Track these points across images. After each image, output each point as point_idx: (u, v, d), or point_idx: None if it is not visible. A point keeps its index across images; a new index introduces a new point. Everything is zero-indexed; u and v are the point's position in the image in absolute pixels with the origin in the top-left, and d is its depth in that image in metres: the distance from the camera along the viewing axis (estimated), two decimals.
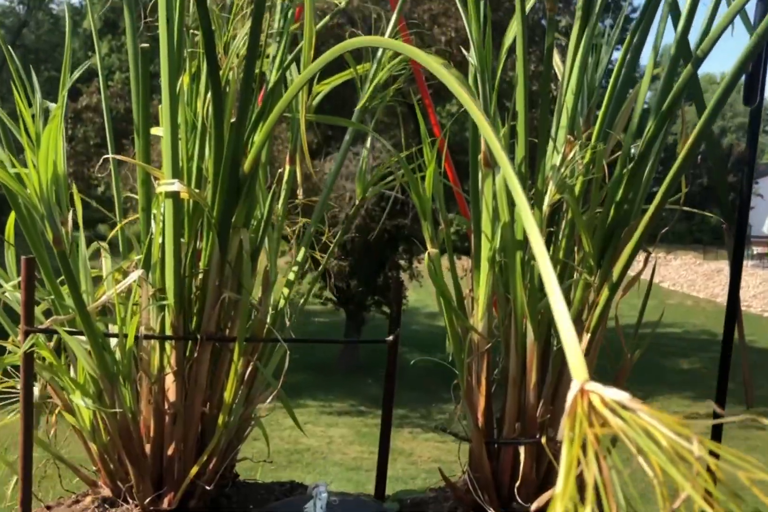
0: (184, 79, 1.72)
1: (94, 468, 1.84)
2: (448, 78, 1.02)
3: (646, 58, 1.88)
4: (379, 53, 1.97)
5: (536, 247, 0.85)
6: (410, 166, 1.77)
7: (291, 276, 1.91)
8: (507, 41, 1.69)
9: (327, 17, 1.90)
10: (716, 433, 1.94)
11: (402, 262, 14.12)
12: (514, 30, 1.63)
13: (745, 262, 2.09)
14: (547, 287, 0.79)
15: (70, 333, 1.59)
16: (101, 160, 1.91)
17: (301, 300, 2.06)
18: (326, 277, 2.27)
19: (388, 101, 2.01)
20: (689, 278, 32.28)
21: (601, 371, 1.60)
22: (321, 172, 10.35)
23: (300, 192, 1.95)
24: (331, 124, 2.09)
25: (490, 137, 0.93)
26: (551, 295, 0.78)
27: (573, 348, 0.71)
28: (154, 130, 1.78)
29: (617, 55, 1.92)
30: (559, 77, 1.90)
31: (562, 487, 0.64)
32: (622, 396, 0.66)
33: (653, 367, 13.32)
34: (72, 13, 2.16)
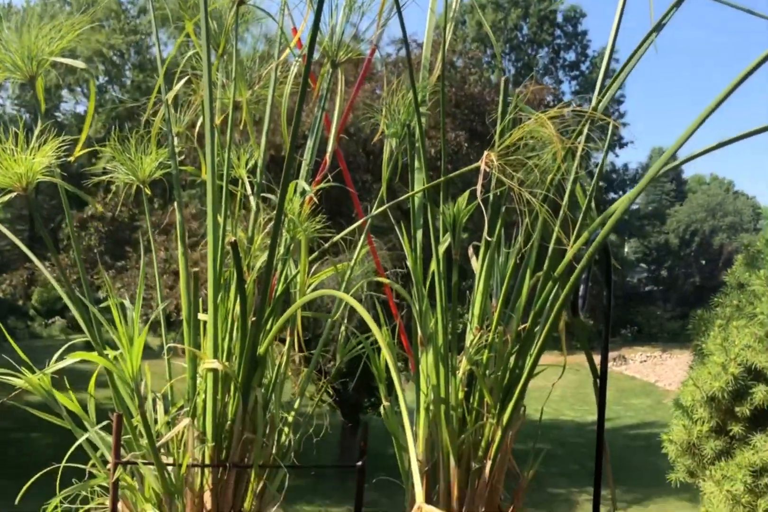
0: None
1: None
2: (377, 332, 1.88)
3: None
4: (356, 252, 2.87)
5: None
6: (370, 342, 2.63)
7: (290, 419, 2.73)
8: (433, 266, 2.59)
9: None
10: None
11: (399, 364, 14.76)
12: (433, 265, 2.53)
13: None
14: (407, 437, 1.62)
15: (145, 463, 2.40)
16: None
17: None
18: (321, 378, 2.88)
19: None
20: (685, 377, 32.68)
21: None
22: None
23: (296, 356, 2.80)
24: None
25: (392, 366, 1.79)
26: (409, 442, 1.62)
27: (417, 482, 1.54)
28: (201, 316, 2.64)
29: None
30: (476, 273, 2.78)
31: None
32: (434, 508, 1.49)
33: (652, 469, 13.60)
34: (77, 122, 2.95)
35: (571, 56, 45.12)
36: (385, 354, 1.87)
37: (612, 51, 2.60)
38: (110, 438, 2.54)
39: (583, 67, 44.42)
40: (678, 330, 38.39)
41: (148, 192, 3.05)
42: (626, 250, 52.06)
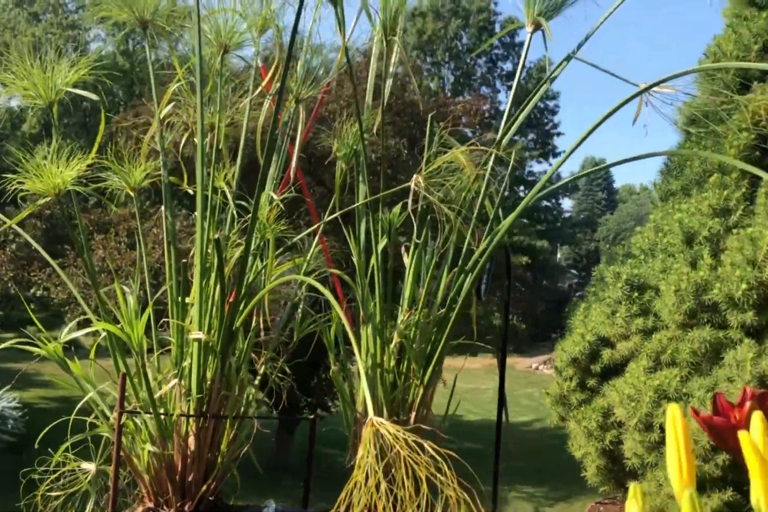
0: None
1: (143, 490, 3.25)
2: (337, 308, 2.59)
3: None
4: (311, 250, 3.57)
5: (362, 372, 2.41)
6: (324, 321, 3.34)
7: (256, 382, 3.42)
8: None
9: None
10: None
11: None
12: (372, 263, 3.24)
13: None
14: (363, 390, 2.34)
15: (146, 412, 3.06)
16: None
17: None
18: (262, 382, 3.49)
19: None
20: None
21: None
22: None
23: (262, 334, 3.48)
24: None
25: (347, 324, 2.50)
26: (365, 391, 2.33)
27: (368, 397, 2.25)
28: (188, 299, 3.31)
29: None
30: (407, 267, 3.51)
31: (359, 462, 2.19)
32: (383, 420, 2.22)
33: (575, 467, 14.40)
34: (11, 116, 3.47)
35: (508, 66, 46.57)
36: (341, 317, 2.55)
37: (511, 108, 3.35)
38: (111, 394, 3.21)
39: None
40: None
41: (134, 197, 3.70)
42: (558, 256, 53.74)
